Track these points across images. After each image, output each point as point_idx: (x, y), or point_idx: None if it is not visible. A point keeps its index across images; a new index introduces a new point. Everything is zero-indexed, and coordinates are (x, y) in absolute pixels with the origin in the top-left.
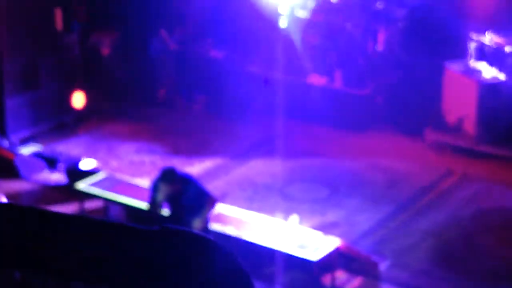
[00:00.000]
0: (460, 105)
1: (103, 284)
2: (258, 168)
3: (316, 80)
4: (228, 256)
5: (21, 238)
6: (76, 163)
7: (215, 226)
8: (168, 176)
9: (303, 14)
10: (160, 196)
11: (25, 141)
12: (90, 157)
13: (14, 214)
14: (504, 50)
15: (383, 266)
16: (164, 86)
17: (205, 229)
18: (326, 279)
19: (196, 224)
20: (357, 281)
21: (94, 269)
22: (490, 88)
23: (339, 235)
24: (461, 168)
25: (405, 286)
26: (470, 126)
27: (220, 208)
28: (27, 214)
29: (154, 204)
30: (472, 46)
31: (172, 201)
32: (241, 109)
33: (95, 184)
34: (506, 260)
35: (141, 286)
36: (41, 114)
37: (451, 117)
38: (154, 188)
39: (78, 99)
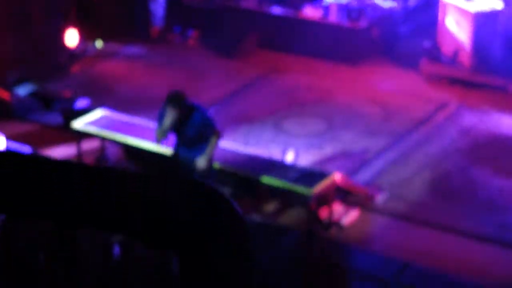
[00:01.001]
0: (455, 36)
1: (95, 226)
2: (254, 103)
3: (311, 13)
4: (224, 201)
5: (16, 184)
6: (72, 102)
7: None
8: (175, 99)
9: None
10: (167, 121)
11: (20, 82)
12: (85, 96)
13: (9, 161)
14: None
15: (380, 198)
16: (157, 22)
17: (210, 165)
18: (323, 212)
19: (201, 162)
20: (354, 213)
21: (87, 213)
22: (485, 18)
23: (336, 169)
24: (457, 99)
25: (402, 218)
26: (465, 57)
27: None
28: (22, 161)
29: (161, 129)
30: None
31: (177, 128)
32: (236, 45)
33: (91, 123)
34: (502, 190)
35: (134, 228)
36: (35, 54)
37: (446, 49)
38: (161, 112)
39: (72, 37)
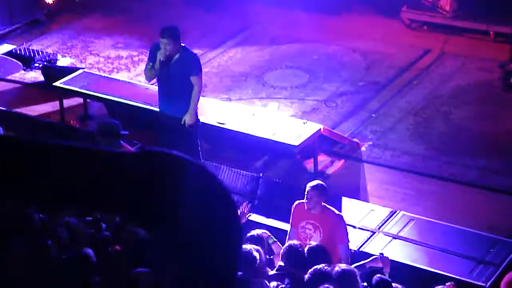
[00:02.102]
0: None
1: (79, 207)
2: (236, 57)
3: None
4: (207, 176)
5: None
6: (52, 61)
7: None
8: (173, 31)
9: None
10: (160, 55)
11: None
12: (65, 54)
13: None
14: None
15: (364, 147)
16: None
17: (196, 119)
18: (309, 164)
19: (187, 118)
20: (340, 163)
21: (75, 195)
22: None
23: (320, 120)
24: (438, 45)
25: (387, 166)
26: (445, 2)
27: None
28: (5, 144)
29: (153, 65)
30: None
31: (164, 63)
32: None
33: (73, 81)
34: (484, 135)
35: (120, 209)
36: (12, 12)
37: None
38: (152, 49)
39: None
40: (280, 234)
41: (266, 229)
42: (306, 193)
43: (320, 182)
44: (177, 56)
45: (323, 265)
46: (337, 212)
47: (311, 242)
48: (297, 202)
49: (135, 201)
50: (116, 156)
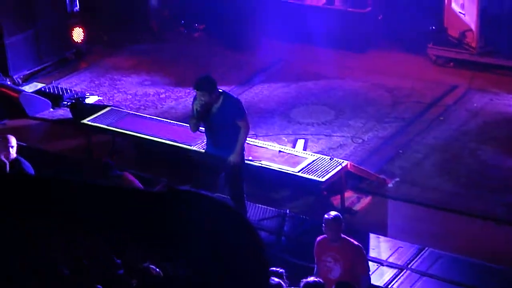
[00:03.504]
0: (462, 19)
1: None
2: (262, 93)
3: (315, 0)
4: (236, 215)
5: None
6: (81, 99)
7: None
8: (204, 83)
9: None
10: (198, 107)
11: (27, 80)
12: (93, 92)
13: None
14: None
15: (391, 183)
16: (158, 17)
17: (242, 159)
18: (336, 200)
19: (233, 158)
20: (367, 200)
21: (103, 233)
22: None
23: (347, 156)
24: (465, 81)
25: (414, 202)
26: (472, 39)
27: None
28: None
29: (194, 118)
30: None
31: (207, 115)
32: (242, 36)
33: (101, 118)
34: None
35: (149, 248)
36: (41, 51)
37: (453, 31)
38: (193, 102)
39: (77, 34)
40: (306, 272)
41: (292, 266)
42: (325, 224)
43: (337, 213)
44: (218, 104)
45: None
46: (356, 243)
47: (331, 275)
48: (319, 238)
49: (162, 237)
50: (144, 195)
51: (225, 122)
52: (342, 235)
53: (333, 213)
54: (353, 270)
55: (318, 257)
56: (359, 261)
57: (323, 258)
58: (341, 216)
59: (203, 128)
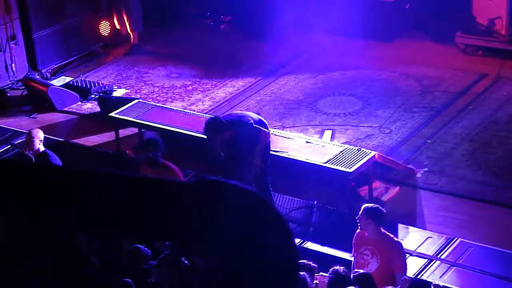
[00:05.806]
0: (490, 6)
1: (135, 235)
2: (289, 84)
3: None
4: (266, 206)
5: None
6: (108, 92)
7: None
8: (212, 127)
9: None
10: (214, 150)
11: (56, 73)
12: (121, 85)
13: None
14: None
15: (420, 173)
16: (184, 10)
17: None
18: (364, 191)
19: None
20: (395, 190)
21: (136, 224)
22: None
23: (374, 146)
24: (494, 70)
25: (443, 192)
26: (501, 27)
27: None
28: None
29: (213, 155)
30: None
31: (227, 146)
32: (268, 27)
33: (128, 111)
34: None
35: (178, 236)
36: (69, 45)
37: (482, 19)
38: (208, 140)
39: (104, 27)
40: (334, 262)
41: (320, 257)
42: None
43: (374, 205)
44: (234, 137)
45: None
46: (396, 239)
47: (367, 268)
48: (358, 230)
49: (192, 229)
50: (174, 186)
51: (247, 151)
52: (383, 230)
53: (368, 205)
54: (390, 265)
55: (356, 249)
56: (395, 257)
57: (361, 250)
58: (377, 209)
59: None
